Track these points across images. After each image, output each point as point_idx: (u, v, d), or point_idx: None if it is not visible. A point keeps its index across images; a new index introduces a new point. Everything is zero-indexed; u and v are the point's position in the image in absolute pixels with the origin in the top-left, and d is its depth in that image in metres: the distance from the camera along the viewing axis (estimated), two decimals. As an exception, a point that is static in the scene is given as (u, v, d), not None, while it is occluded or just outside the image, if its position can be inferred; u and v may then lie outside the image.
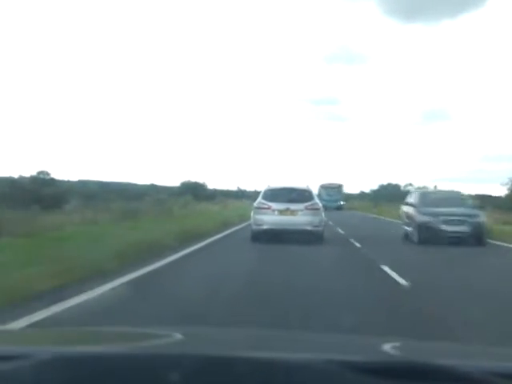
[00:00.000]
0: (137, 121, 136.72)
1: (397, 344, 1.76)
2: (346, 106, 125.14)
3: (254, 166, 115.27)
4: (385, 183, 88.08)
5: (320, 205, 15.65)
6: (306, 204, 15.08)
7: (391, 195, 68.11)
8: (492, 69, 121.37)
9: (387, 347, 1.64)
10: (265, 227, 14.88)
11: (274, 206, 15.02)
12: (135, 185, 62.49)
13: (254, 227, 15.20)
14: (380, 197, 75.40)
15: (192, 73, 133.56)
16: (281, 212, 14.93)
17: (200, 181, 61.93)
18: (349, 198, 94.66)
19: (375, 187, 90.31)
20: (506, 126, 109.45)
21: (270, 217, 14.87)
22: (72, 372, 1.18)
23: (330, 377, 1.18)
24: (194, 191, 51.28)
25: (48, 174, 43.40)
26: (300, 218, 14.86)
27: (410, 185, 78.64)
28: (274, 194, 15.46)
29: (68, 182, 53.87)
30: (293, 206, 14.98)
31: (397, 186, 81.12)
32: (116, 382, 1.17)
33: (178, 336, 1.65)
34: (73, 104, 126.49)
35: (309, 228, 14.79)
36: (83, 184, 52.80)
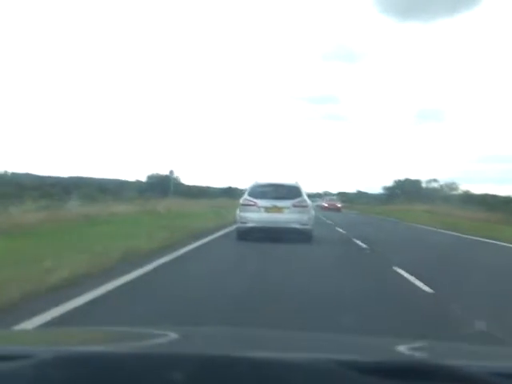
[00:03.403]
0: (128, 116, 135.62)
1: (397, 344, 1.74)
2: (343, 104, 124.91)
3: (252, 165, 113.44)
4: (402, 179, 74.94)
5: (309, 202, 14.94)
6: (294, 201, 14.53)
7: (410, 194, 61.19)
8: (489, 67, 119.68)
9: (388, 347, 1.64)
10: (250, 225, 14.43)
11: (259, 202, 14.53)
12: (126, 181, 60.04)
13: (239, 225, 14.82)
14: (394, 196, 64.74)
15: (190, 73, 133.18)
16: (267, 209, 14.44)
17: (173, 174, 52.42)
18: (348, 197, 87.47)
19: (389, 184, 77.37)
20: (504, 126, 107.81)
21: (256, 214, 14.39)
22: (73, 372, 1.16)
23: (330, 377, 1.16)
24: (162, 186, 42.62)
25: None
26: (287, 215, 14.32)
27: (435, 180, 69.65)
28: (261, 191, 14.97)
29: (58, 177, 52.84)
30: (280, 203, 14.45)
31: (417, 182, 69.85)
32: (116, 381, 1.15)
33: (178, 336, 1.65)
34: (59, 103, 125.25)
35: (297, 226, 14.31)
36: (76, 180, 50.77)
